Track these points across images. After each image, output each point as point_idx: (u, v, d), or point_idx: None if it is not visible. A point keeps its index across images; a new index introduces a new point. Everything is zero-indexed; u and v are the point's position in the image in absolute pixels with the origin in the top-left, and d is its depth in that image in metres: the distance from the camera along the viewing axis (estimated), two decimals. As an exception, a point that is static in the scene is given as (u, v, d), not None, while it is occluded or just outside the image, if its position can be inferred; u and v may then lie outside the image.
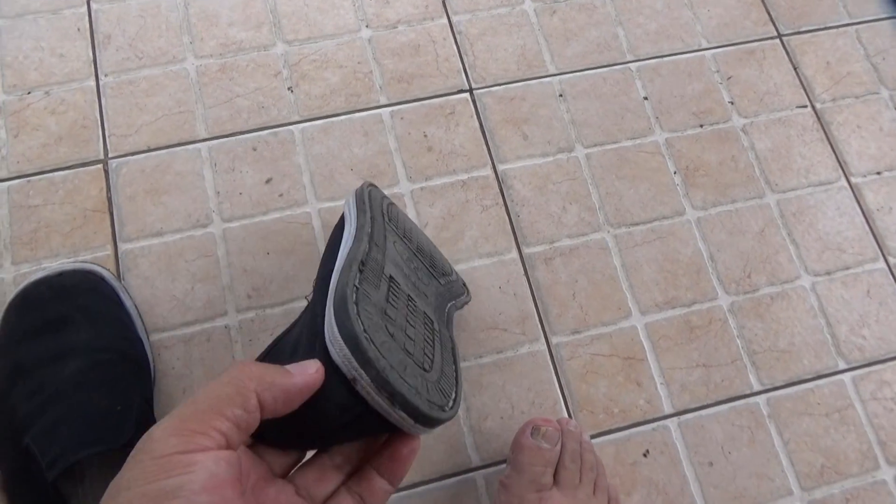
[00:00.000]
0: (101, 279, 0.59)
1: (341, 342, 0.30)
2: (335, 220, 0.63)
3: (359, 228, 0.43)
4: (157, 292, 0.62)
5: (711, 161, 0.72)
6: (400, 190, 0.68)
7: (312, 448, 0.34)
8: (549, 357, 0.63)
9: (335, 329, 0.31)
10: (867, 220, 0.70)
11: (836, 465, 0.61)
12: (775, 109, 0.75)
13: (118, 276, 0.62)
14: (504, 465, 0.57)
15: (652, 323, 0.65)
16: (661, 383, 0.63)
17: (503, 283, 0.65)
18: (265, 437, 0.30)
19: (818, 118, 0.75)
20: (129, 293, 0.61)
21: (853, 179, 0.72)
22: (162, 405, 0.58)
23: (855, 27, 0.79)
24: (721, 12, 0.79)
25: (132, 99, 0.69)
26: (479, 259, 0.66)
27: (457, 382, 0.38)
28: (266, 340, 0.61)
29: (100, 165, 0.66)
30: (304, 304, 0.63)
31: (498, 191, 0.69)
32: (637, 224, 0.68)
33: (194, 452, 0.25)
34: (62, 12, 0.72)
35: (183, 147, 0.68)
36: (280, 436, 0.32)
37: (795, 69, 0.77)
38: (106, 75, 0.70)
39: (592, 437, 0.61)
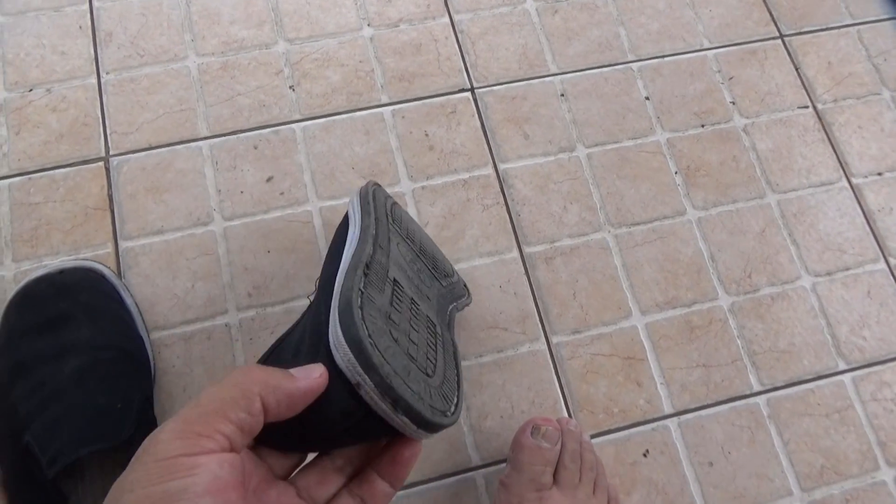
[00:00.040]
0: (102, 277, 0.59)
1: (346, 347, 0.30)
2: (336, 219, 0.63)
3: (363, 230, 0.43)
4: (157, 290, 0.62)
5: (712, 161, 0.72)
6: (401, 189, 0.68)
7: (314, 451, 0.34)
8: (549, 356, 0.63)
9: (340, 334, 0.30)
10: (868, 220, 0.70)
11: (836, 465, 0.61)
12: (776, 110, 0.75)
13: (119, 274, 0.62)
14: (504, 465, 0.57)
15: (652, 323, 0.65)
16: (662, 383, 0.63)
17: (504, 282, 0.65)
18: (267, 439, 0.30)
19: (819, 119, 0.75)
20: (129, 291, 0.61)
21: (854, 180, 0.72)
22: (162, 403, 0.58)
23: (857, 28, 0.79)
24: (723, 12, 0.79)
25: (133, 97, 0.69)
26: (479, 258, 0.66)
27: (459, 387, 0.38)
28: (266, 339, 0.61)
29: (101, 163, 0.66)
30: (306, 303, 0.63)
31: (499, 190, 0.69)
32: (638, 224, 0.68)
33: (198, 455, 0.25)
34: (64, 10, 0.72)
35: (184, 145, 0.68)
36: (282, 438, 0.31)
37: (797, 70, 0.77)
38: (107, 73, 0.70)
39: (592, 436, 0.61)
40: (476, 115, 0.71)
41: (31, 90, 0.68)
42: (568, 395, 0.62)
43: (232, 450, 0.26)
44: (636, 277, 0.66)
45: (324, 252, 0.64)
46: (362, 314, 0.32)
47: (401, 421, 0.30)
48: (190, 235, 0.64)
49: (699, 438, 0.61)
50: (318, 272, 0.62)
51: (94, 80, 0.69)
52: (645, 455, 0.61)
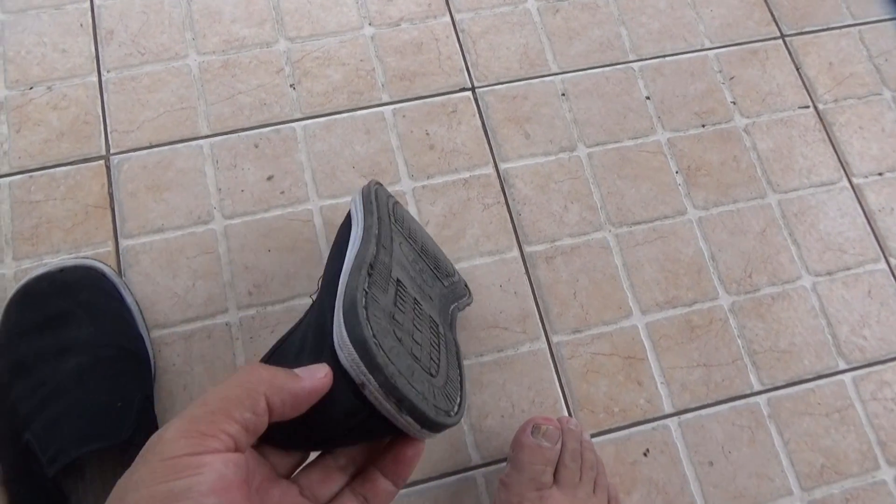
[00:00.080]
0: (102, 275, 0.59)
1: (350, 347, 0.30)
2: (337, 218, 0.63)
3: (366, 230, 0.43)
4: (158, 289, 0.62)
5: (713, 161, 0.72)
6: (402, 188, 0.68)
7: (317, 450, 0.34)
8: (549, 356, 0.63)
9: (344, 333, 0.31)
10: (868, 220, 0.70)
11: (836, 465, 0.61)
12: (777, 110, 0.75)
13: (119, 273, 0.62)
14: (504, 464, 0.57)
15: (653, 322, 0.65)
16: (662, 383, 0.63)
17: (504, 281, 0.65)
18: (270, 438, 0.30)
19: (820, 119, 0.75)
20: (129, 289, 0.61)
21: (855, 180, 0.72)
22: (162, 402, 0.58)
23: (858, 28, 0.79)
24: (724, 12, 0.79)
25: (134, 95, 0.69)
26: (480, 257, 0.66)
27: (462, 387, 0.38)
28: (267, 337, 0.61)
29: (101, 161, 0.66)
30: (307, 301, 0.63)
31: (499, 189, 0.69)
32: (638, 223, 0.68)
33: (203, 455, 0.25)
34: (65, 8, 0.72)
35: (185, 143, 0.67)
36: (286, 438, 0.31)
37: (798, 70, 0.77)
38: (108, 71, 0.70)
39: (593, 436, 0.61)
40: (477, 115, 0.71)
41: (31, 88, 0.68)
42: (568, 395, 0.62)
43: (237, 449, 0.26)
44: (637, 277, 0.66)
45: (324, 251, 0.64)
46: (367, 314, 0.32)
47: (405, 421, 0.30)
48: (190, 234, 0.64)
49: (699, 438, 0.61)
50: (318, 271, 0.62)
51: (95, 79, 0.69)
52: (645, 454, 0.61)
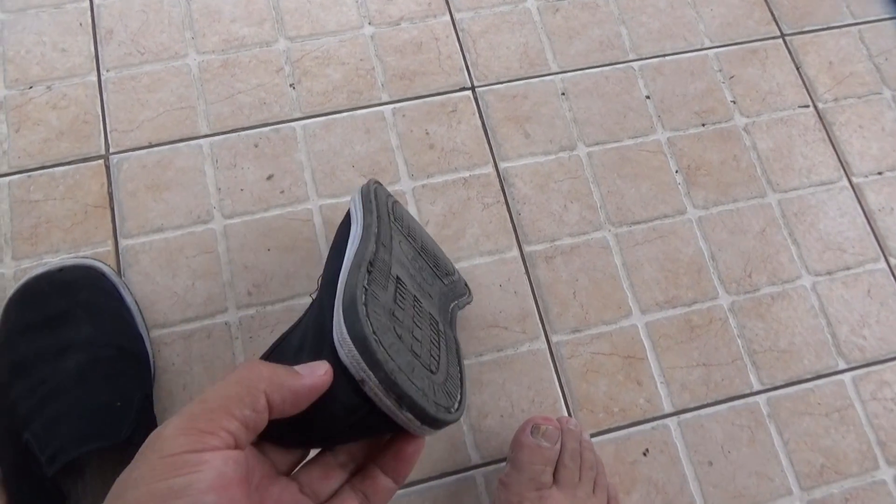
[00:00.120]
0: (102, 275, 0.59)
1: (350, 343, 0.30)
2: (336, 217, 0.63)
3: (365, 228, 0.43)
4: (157, 288, 0.62)
5: (713, 160, 0.72)
6: (401, 187, 0.67)
7: (318, 447, 0.34)
8: (549, 355, 0.63)
9: (344, 330, 0.31)
10: (868, 220, 0.70)
11: (836, 464, 0.61)
12: (777, 109, 0.75)
13: (119, 272, 0.62)
14: (504, 464, 0.57)
15: (652, 322, 0.65)
16: (662, 382, 0.63)
17: (504, 281, 0.65)
18: (270, 435, 0.31)
19: (820, 118, 0.75)
20: (129, 289, 0.61)
21: (855, 179, 0.72)
22: (162, 401, 0.58)
23: (858, 27, 0.79)
24: (724, 11, 0.79)
25: (134, 94, 0.69)
26: (479, 257, 0.66)
27: (462, 384, 0.38)
28: (266, 337, 0.61)
29: (101, 161, 0.66)
30: (306, 301, 0.63)
31: (499, 189, 0.68)
32: (638, 223, 0.68)
33: (203, 452, 0.25)
34: (64, 7, 0.72)
35: (184, 143, 0.67)
36: (286, 435, 0.32)
37: (798, 69, 0.77)
38: (108, 70, 0.70)
39: (592, 435, 0.61)
40: (477, 114, 0.71)
41: (31, 87, 0.68)
42: (568, 394, 0.62)
43: (236, 447, 0.26)
44: (636, 276, 0.66)
45: (324, 250, 0.64)
46: (367, 311, 0.32)
47: (405, 417, 0.30)
48: (190, 233, 0.64)
49: (699, 437, 0.61)
50: (318, 270, 0.62)
51: (95, 78, 0.69)
52: (645, 454, 0.61)
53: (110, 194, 0.65)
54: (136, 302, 0.60)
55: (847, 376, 0.65)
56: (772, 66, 0.76)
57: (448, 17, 0.75)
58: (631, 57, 0.76)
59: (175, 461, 0.25)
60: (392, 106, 0.71)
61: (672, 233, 0.68)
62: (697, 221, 0.69)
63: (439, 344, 0.39)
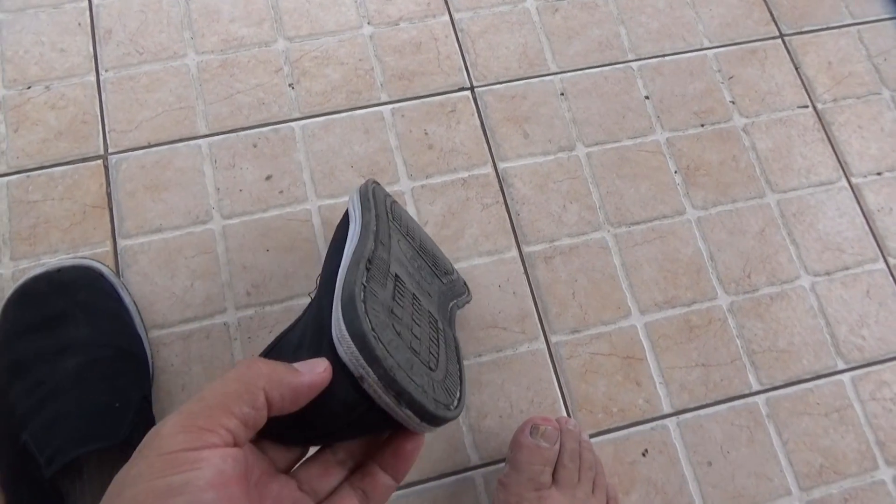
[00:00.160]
0: (101, 275, 0.58)
1: (349, 340, 0.30)
2: (335, 218, 0.63)
3: (364, 226, 0.43)
4: (156, 289, 0.62)
5: (712, 160, 0.72)
6: (400, 188, 0.67)
7: (317, 444, 0.34)
8: (548, 356, 0.63)
9: (343, 327, 0.30)
10: (867, 220, 0.70)
11: (835, 465, 0.61)
12: (776, 109, 0.75)
13: (117, 273, 0.62)
14: (503, 464, 0.57)
15: (651, 322, 0.65)
16: (661, 383, 0.63)
17: (503, 281, 0.65)
18: (270, 432, 0.30)
19: (819, 118, 0.75)
20: (128, 289, 0.61)
21: (854, 180, 0.72)
22: (160, 402, 0.58)
23: (857, 27, 0.79)
24: (723, 12, 0.79)
25: (132, 94, 0.69)
26: (478, 257, 0.66)
27: (461, 381, 0.38)
28: (265, 337, 0.61)
29: (100, 161, 0.66)
30: (305, 301, 0.63)
31: (498, 189, 0.68)
32: (637, 223, 0.68)
33: (201, 450, 0.25)
34: (63, 7, 0.72)
35: (183, 143, 0.67)
36: (284, 432, 0.31)
37: (797, 69, 0.77)
38: (106, 70, 0.70)
39: (591, 436, 0.61)
40: (476, 114, 0.71)
41: (29, 87, 0.68)
42: (567, 395, 0.62)
43: (235, 444, 0.26)
44: (635, 277, 0.66)
45: (323, 251, 0.64)
46: (365, 308, 0.32)
47: (404, 414, 0.30)
48: (189, 234, 0.64)
49: (698, 438, 0.61)
50: (316, 271, 0.62)
51: (93, 78, 0.69)
52: (644, 454, 0.61)
53: (109, 194, 0.65)
54: (134, 302, 0.60)
55: (846, 376, 0.65)
56: (771, 67, 0.76)
57: (447, 18, 0.75)
58: (630, 57, 0.76)
59: (174, 458, 0.24)
60: (391, 106, 0.71)
61: (671, 233, 0.68)
62: (696, 222, 0.69)
63: (438, 342, 0.39)
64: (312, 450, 0.34)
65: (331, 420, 0.31)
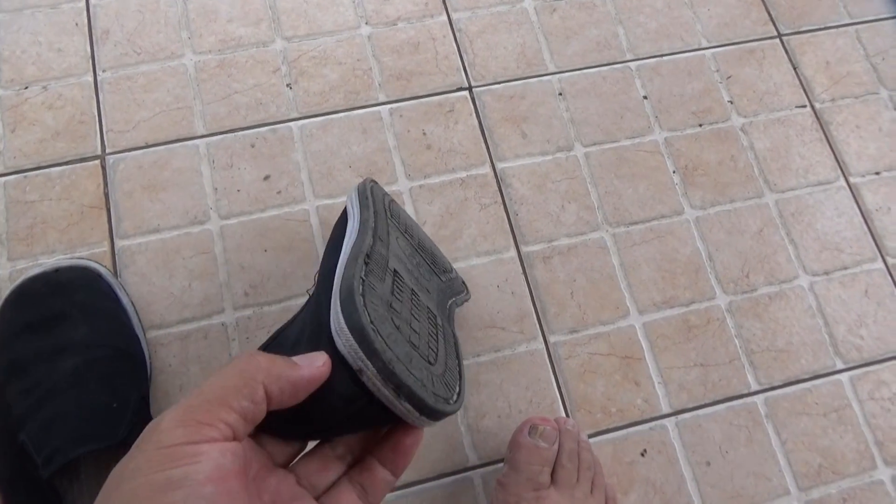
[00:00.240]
0: (98, 275, 0.58)
1: (348, 333, 0.30)
2: (333, 218, 0.63)
3: (362, 223, 0.43)
4: (153, 289, 0.62)
5: (710, 160, 0.72)
6: (399, 188, 0.67)
7: (315, 438, 0.33)
8: (546, 356, 0.63)
9: (342, 320, 0.30)
10: (865, 220, 0.70)
11: (834, 464, 0.61)
12: (774, 109, 0.75)
13: (115, 273, 0.62)
14: (501, 464, 0.57)
15: (650, 322, 0.65)
16: (659, 382, 0.63)
17: (501, 281, 0.65)
18: (268, 426, 0.30)
19: (817, 118, 0.75)
20: (125, 290, 0.61)
21: (852, 179, 0.72)
22: (158, 402, 0.58)
23: (855, 27, 0.79)
24: (721, 12, 0.79)
25: (130, 94, 0.69)
26: (477, 257, 0.66)
27: (460, 376, 0.38)
28: (263, 338, 0.61)
29: (97, 161, 0.66)
30: (303, 301, 0.62)
31: (496, 189, 0.68)
32: (636, 223, 0.68)
33: (200, 443, 0.25)
34: (60, 7, 0.72)
35: (181, 143, 0.67)
36: (283, 426, 0.31)
37: (795, 69, 0.77)
38: (104, 70, 0.70)
39: (590, 436, 0.61)
40: (474, 114, 0.71)
41: (27, 87, 0.68)
42: (565, 395, 0.62)
43: (234, 438, 0.26)
44: (634, 277, 0.66)
45: (320, 251, 0.64)
46: (364, 301, 0.32)
47: (403, 408, 0.30)
48: (186, 234, 0.64)
49: (697, 438, 0.61)
50: (314, 271, 0.62)
51: (91, 78, 0.69)
52: (642, 454, 0.61)
53: (106, 195, 0.65)
54: (132, 303, 0.60)
55: (844, 376, 0.65)
56: (769, 66, 0.77)
57: (445, 17, 0.75)
58: (628, 57, 0.76)
59: (173, 452, 0.24)
60: (389, 106, 0.71)
61: (669, 233, 0.68)
62: (695, 221, 0.69)
63: (437, 337, 0.39)
64: (311, 444, 0.34)
65: (330, 414, 0.31)
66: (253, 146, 0.68)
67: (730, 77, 0.76)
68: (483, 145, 0.70)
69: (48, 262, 0.60)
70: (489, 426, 0.60)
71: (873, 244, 0.70)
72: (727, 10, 0.79)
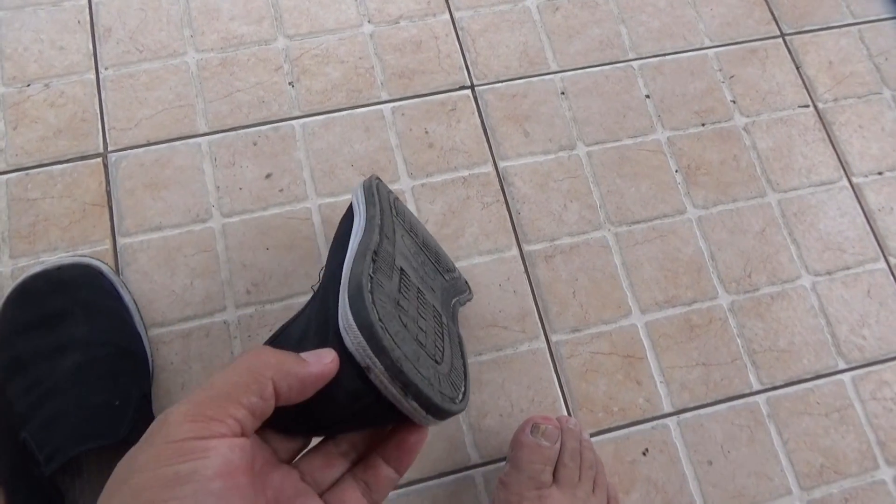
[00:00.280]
0: (100, 273, 0.58)
1: (356, 330, 0.30)
2: (335, 216, 0.63)
3: (369, 220, 0.43)
4: (155, 287, 0.62)
5: (713, 160, 0.71)
6: (401, 186, 0.67)
7: (321, 435, 0.33)
8: (548, 355, 0.63)
9: (350, 317, 0.30)
10: (868, 220, 0.70)
11: (836, 464, 0.61)
12: (777, 109, 0.74)
13: (117, 271, 0.62)
14: (503, 463, 0.57)
15: (652, 321, 0.65)
16: (661, 382, 0.63)
17: (503, 280, 0.65)
18: (275, 423, 0.30)
19: (820, 118, 0.75)
20: (127, 288, 0.61)
21: (854, 179, 0.72)
22: (160, 400, 0.58)
23: (858, 27, 0.79)
24: (724, 11, 0.78)
25: (132, 92, 0.69)
26: (479, 256, 0.66)
27: (466, 376, 0.38)
28: (265, 336, 0.61)
29: (99, 159, 0.66)
30: (305, 299, 0.62)
31: (499, 188, 0.68)
32: (638, 222, 0.68)
33: (209, 439, 0.25)
34: (62, 4, 0.71)
35: (183, 141, 0.67)
36: (290, 422, 0.31)
37: (798, 69, 0.77)
38: (106, 68, 0.69)
39: (592, 435, 0.61)
40: (476, 113, 0.71)
41: (28, 85, 0.68)
42: (567, 394, 0.62)
43: (242, 434, 0.26)
44: (636, 276, 0.66)
45: (323, 249, 0.64)
46: (372, 298, 0.32)
47: (410, 406, 0.30)
48: (188, 232, 0.64)
49: (698, 437, 0.61)
50: (316, 269, 0.62)
51: (93, 76, 0.69)
52: (644, 454, 0.60)
53: (108, 192, 0.65)
54: (134, 301, 0.60)
55: (846, 376, 0.65)
56: (772, 66, 0.76)
57: (447, 16, 0.75)
58: (631, 56, 0.75)
59: (181, 447, 0.24)
60: (391, 104, 0.71)
61: (672, 232, 0.68)
62: (697, 221, 0.69)
63: (443, 336, 0.39)
64: (315, 440, 0.34)
65: (336, 411, 0.31)
66: (255, 144, 0.68)
67: (732, 76, 0.76)
68: (485, 144, 0.70)
69: (50, 259, 0.59)
70: (491, 425, 0.60)
71: (876, 244, 0.70)
72: (730, 10, 0.79)
